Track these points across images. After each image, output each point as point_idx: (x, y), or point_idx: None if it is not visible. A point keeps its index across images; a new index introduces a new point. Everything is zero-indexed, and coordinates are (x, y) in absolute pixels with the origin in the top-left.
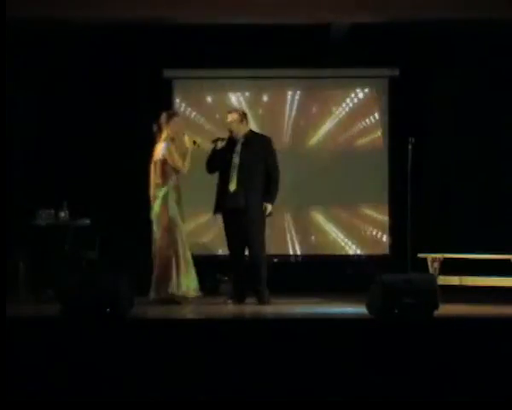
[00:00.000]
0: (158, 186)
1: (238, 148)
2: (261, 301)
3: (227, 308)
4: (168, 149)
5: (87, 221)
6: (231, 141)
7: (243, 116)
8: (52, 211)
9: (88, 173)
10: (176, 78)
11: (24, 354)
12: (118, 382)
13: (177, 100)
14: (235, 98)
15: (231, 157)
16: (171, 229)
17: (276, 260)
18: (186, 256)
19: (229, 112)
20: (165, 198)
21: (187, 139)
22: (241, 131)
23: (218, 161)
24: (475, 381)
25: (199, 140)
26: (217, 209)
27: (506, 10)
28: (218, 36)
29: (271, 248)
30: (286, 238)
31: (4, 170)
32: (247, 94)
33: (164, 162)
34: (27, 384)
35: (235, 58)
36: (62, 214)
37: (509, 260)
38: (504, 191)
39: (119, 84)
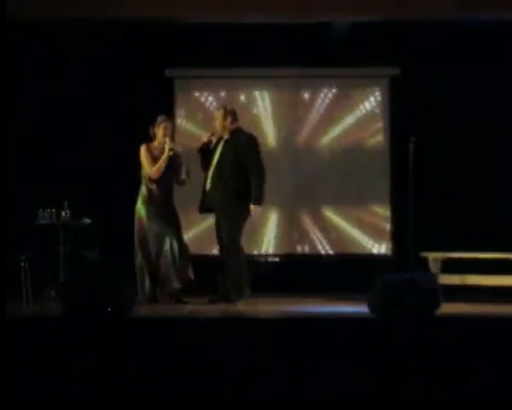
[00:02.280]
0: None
1: (219, 146)
2: (226, 300)
3: (227, 308)
4: (141, 152)
5: (88, 221)
6: (217, 139)
7: (228, 113)
8: (53, 211)
9: (89, 173)
10: (177, 77)
11: (24, 354)
12: (118, 381)
13: (179, 99)
14: (237, 97)
15: (213, 156)
16: (137, 231)
17: (277, 259)
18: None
19: (217, 109)
20: (142, 201)
21: (166, 146)
22: (224, 128)
23: (204, 160)
24: (476, 380)
25: (180, 148)
26: (200, 208)
27: (506, 10)
28: (219, 35)
29: (273, 247)
30: (286, 238)
31: (4, 170)
32: (247, 93)
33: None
34: (27, 384)
35: (236, 57)
36: (63, 214)
37: (510, 259)
38: (505, 190)
39: (121, 84)
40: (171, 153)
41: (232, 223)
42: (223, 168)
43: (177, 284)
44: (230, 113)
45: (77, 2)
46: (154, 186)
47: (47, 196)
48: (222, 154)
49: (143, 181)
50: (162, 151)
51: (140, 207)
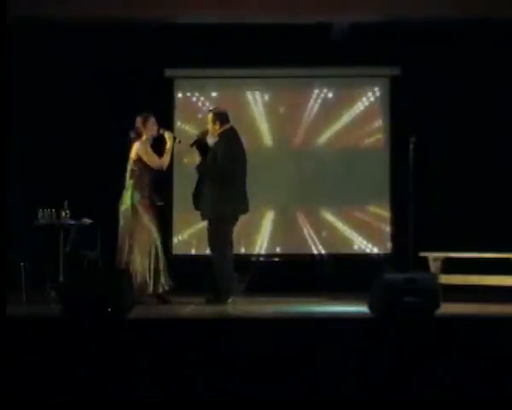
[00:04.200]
0: (126, 185)
1: (211, 149)
2: (213, 301)
3: (228, 308)
4: (143, 148)
5: (88, 221)
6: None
7: (216, 116)
8: (53, 211)
9: (89, 173)
10: (177, 77)
11: (24, 354)
12: (118, 382)
13: (179, 99)
14: (237, 97)
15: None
16: (134, 228)
17: (277, 259)
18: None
19: (208, 113)
20: (130, 197)
21: (167, 136)
22: (215, 130)
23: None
24: (477, 380)
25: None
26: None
27: (506, 10)
28: (219, 35)
29: (273, 247)
30: (287, 238)
31: (5, 170)
32: (248, 93)
33: (134, 162)
34: (27, 384)
35: (236, 57)
36: (63, 214)
37: (510, 259)
38: (506, 190)
39: (121, 84)
40: (177, 141)
41: (213, 223)
42: (208, 170)
43: (166, 287)
44: (218, 116)
45: (77, 3)
46: (147, 185)
47: (47, 196)
48: (209, 156)
49: (133, 181)
50: (151, 145)
51: (134, 206)
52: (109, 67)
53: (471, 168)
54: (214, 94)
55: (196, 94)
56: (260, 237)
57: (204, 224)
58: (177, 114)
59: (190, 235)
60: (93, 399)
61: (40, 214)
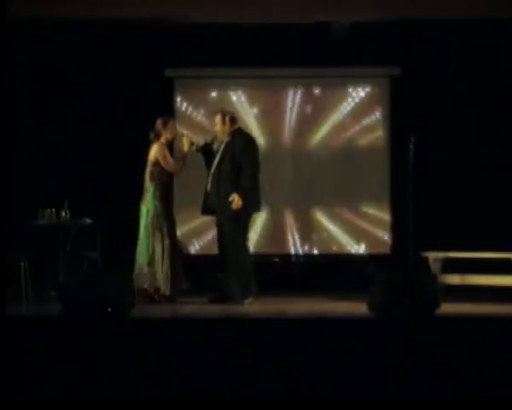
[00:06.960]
0: (146, 186)
1: (221, 148)
2: (228, 300)
3: (227, 308)
4: (161, 150)
5: (88, 221)
6: (219, 141)
7: (225, 117)
8: (53, 211)
9: (89, 173)
10: (177, 77)
11: (24, 353)
12: (118, 381)
13: (179, 99)
14: (237, 97)
15: (214, 157)
16: (156, 228)
17: (277, 259)
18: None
19: (216, 113)
20: (152, 198)
21: (185, 141)
22: (224, 131)
23: (207, 161)
24: (476, 380)
25: (201, 141)
26: (202, 209)
27: (506, 10)
28: (219, 35)
29: (272, 247)
30: (287, 237)
31: (5, 170)
32: (248, 93)
33: (153, 164)
34: (27, 384)
35: (237, 57)
36: (63, 214)
37: (510, 259)
38: (506, 190)
39: (121, 84)
40: (195, 146)
41: (233, 224)
42: (222, 170)
43: (185, 286)
44: (228, 116)
45: (77, 3)
46: (167, 184)
47: (47, 196)
48: (222, 155)
49: (156, 179)
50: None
51: (156, 205)
52: (109, 67)
53: (471, 168)
54: (214, 94)
55: (196, 94)
56: (260, 237)
57: (202, 223)
58: (177, 113)
59: (189, 234)
60: (93, 399)
61: (40, 214)
